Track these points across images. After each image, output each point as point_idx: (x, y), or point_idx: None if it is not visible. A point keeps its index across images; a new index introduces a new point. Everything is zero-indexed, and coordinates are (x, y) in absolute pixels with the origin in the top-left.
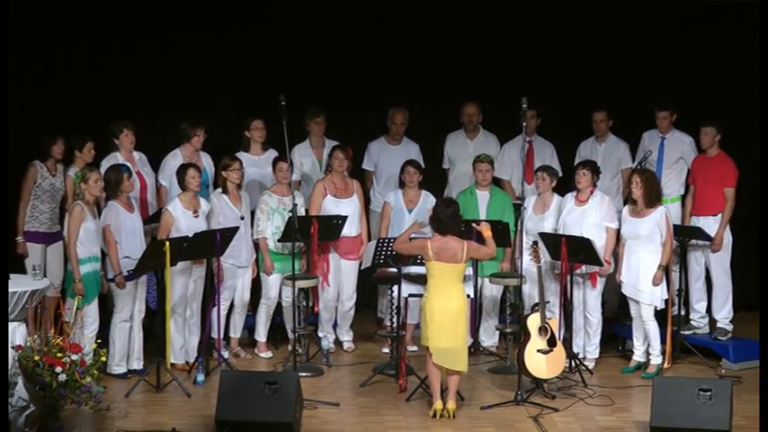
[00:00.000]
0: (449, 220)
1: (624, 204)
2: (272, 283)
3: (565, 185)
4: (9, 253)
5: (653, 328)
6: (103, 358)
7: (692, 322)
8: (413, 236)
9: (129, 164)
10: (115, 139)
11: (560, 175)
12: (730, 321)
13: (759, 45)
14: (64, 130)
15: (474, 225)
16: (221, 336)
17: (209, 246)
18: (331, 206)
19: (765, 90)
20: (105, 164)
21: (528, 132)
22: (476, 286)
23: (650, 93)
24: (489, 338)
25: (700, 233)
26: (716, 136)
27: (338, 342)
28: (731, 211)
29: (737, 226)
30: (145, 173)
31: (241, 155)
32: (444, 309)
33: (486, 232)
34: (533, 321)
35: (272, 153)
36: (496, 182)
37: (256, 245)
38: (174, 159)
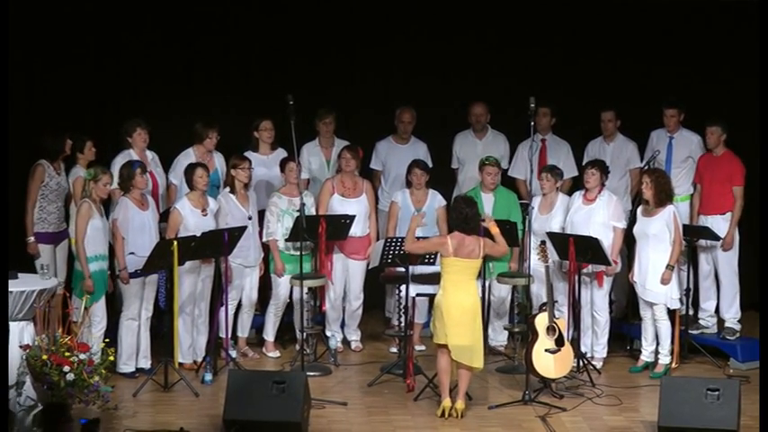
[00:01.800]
0: (473, 219)
1: (632, 204)
2: (282, 282)
3: (577, 186)
4: (9, 253)
5: (665, 327)
6: (111, 357)
7: (700, 321)
8: (418, 234)
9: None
10: (128, 137)
11: (576, 174)
12: (738, 321)
13: (759, 46)
14: (70, 130)
15: (480, 222)
16: (229, 335)
17: (216, 245)
18: (337, 205)
19: (766, 91)
20: (120, 160)
21: (542, 131)
22: (484, 286)
23: (658, 91)
24: (497, 338)
25: (707, 232)
26: (721, 135)
27: (346, 341)
28: (741, 209)
29: (745, 225)
30: (157, 173)
31: (249, 155)
32: (461, 305)
33: (494, 228)
34: (541, 321)
35: (281, 153)
36: (511, 181)
37: (265, 245)
38: (186, 159)
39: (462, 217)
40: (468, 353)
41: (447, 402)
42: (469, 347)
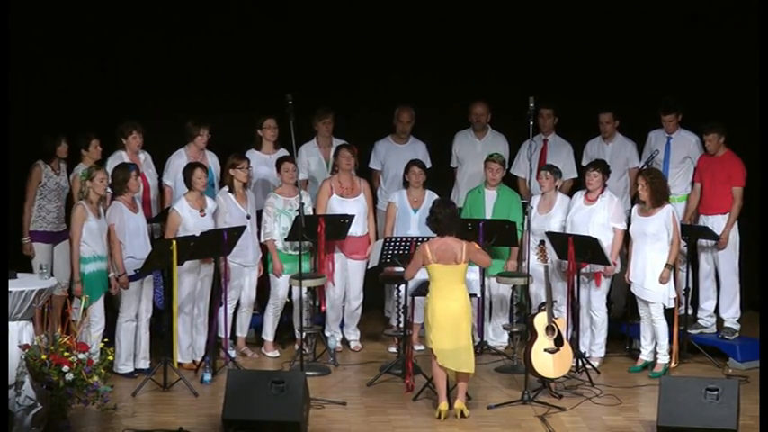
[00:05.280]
0: (447, 220)
1: (632, 204)
2: (280, 282)
3: (577, 187)
4: (8, 253)
5: (662, 327)
6: (110, 357)
7: (699, 321)
8: (412, 234)
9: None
10: (123, 139)
11: (575, 176)
12: (737, 321)
13: (759, 46)
14: (69, 130)
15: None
16: (228, 335)
17: (215, 245)
18: (336, 205)
19: (766, 91)
20: (111, 162)
21: (545, 132)
22: (483, 286)
23: (657, 90)
24: (497, 338)
25: (707, 232)
26: (720, 139)
27: (345, 341)
28: (739, 210)
29: (746, 225)
30: (149, 174)
31: (252, 153)
32: (447, 310)
33: (475, 245)
34: (540, 321)
35: (284, 152)
36: (513, 180)
37: (263, 245)
38: (179, 159)
39: (433, 217)
40: (453, 357)
41: (444, 405)
42: (454, 352)
